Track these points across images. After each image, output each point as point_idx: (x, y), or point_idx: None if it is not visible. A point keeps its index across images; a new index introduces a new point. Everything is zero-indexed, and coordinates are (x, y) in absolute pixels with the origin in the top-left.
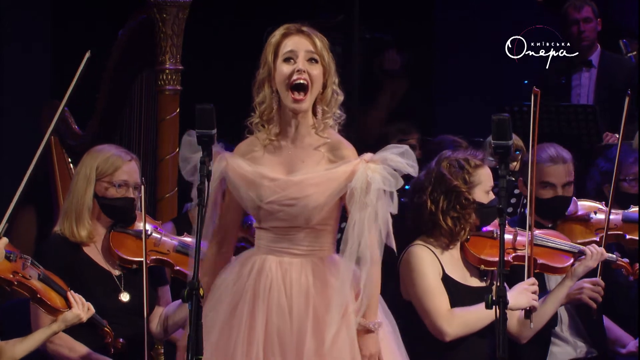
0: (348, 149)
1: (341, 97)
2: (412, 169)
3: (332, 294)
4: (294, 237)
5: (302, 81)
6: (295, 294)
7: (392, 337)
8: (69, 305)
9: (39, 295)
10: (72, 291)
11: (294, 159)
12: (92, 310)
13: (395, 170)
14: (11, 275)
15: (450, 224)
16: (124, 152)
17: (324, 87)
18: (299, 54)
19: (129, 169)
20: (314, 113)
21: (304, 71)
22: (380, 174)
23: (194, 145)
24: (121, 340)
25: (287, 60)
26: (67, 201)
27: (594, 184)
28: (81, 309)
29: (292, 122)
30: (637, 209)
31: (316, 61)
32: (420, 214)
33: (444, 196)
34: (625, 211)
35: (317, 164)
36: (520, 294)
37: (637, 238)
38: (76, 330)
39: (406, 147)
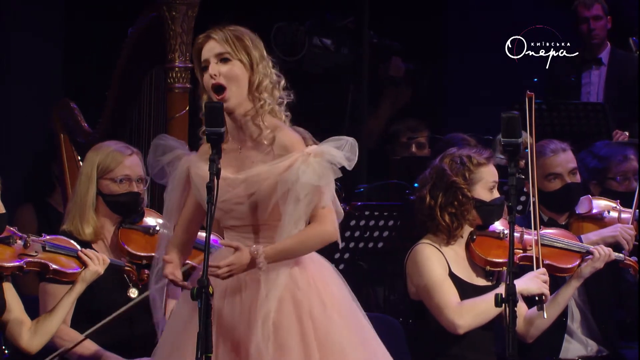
0: (292, 140)
1: (270, 81)
2: (347, 161)
3: (283, 291)
4: (252, 235)
5: (217, 85)
6: (250, 292)
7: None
8: (84, 264)
9: (51, 267)
10: (82, 249)
11: (245, 160)
12: (107, 260)
13: (331, 163)
14: (18, 259)
15: (448, 220)
16: (124, 147)
17: (252, 74)
18: (210, 60)
19: (130, 163)
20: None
21: (216, 74)
22: (313, 167)
23: (161, 149)
24: (146, 271)
25: (204, 69)
26: (71, 201)
27: (581, 180)
28: (97, 263)
29: (235, 124)
30: None
31: (228, 59)
32: (420, 208)
33: (443, 192)
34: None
35: (264, 159)
36: (531, 280)
37: None
38: (84, 325)
39: (348, 139)
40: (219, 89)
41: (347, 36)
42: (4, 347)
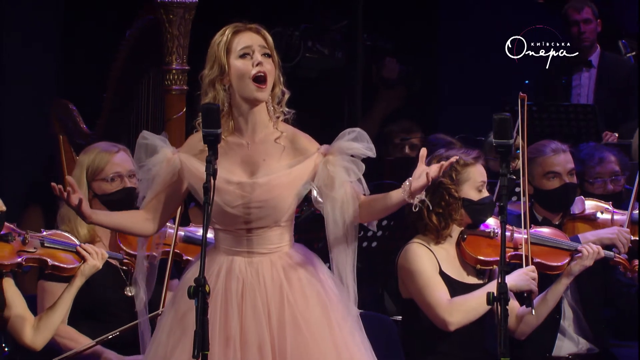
0: (305, 140)
1: (287, 95)
2: (370, 151)
3: (306, 287)
4: (260, 237)
5: (262, 73)
6: (270, 292)
7: (356, 326)
8: (83, 259)
9: (50, 263)
10: (81, 244)
11: (254, 158)
12: (106, 255)
13: (353, 156)
14: (17, 257)
15: (435, 221)
16: (111, 145)
17: (273, 85)
18: (254, 48)
19: (118, 160)
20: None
21: (262, 64)
22: (341, 165)
23: (150, 149)
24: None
25: (243, 56)
26: (65, 206)
27: None
28: (96, 258)
29: (248, 118)
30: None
31: (269, 56)
32: (409, 209)
33: (431, 193)
34: (634, 212)
35: (278, 159)
36: (520, 277)
37: (638, 239)
38: (80, 323)
39: (358, 130)
40: (263, 79)
41: (341, 40)
42: (3, 345)
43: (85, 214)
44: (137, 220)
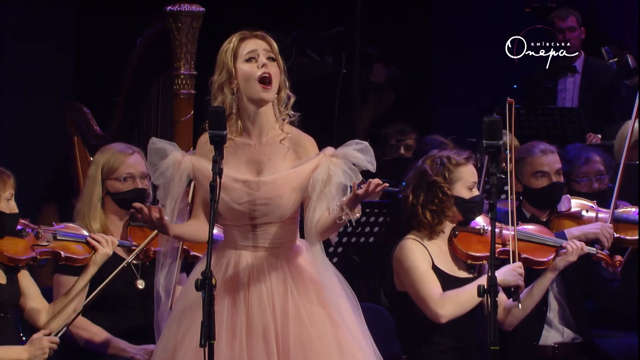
0: (310, 142)
1: (293, 99)
2: (371, 165)
3: (308, 280)
4: (265, 232)
5: (267, 74)
6: (274, 284)
7: (357, 317)
8: (93, 249)
9: (63, 255)
10: (90, 234)
11: (260, 157)
12: (115, 241)
13: (354, 165)
14: (32, 251)
15: (429, 217)
16: (126, 147)
17: (279, 89)
18: (259, 52)
19: (132, 162)
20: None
21: (267, 66)
22: (342, 168)
23: (159, 153)
24: (153, 248)
25: (249, 60)
26: (80, 202)
27: None
28: (106, 246)
29: (255, 120)
30: (627, 209)
31: (274, 59)
32: (405, 206)
33: (425, 191)
34: (616, 211)
35: (283, 160)
36: (508, 272)
37: (625, 237)
38: (94, 314)
39: (366, 143)
40: (269, 80)
41: (332, 45)
42: (21, 335)
43: (166, 225)
44: (198, 227)
